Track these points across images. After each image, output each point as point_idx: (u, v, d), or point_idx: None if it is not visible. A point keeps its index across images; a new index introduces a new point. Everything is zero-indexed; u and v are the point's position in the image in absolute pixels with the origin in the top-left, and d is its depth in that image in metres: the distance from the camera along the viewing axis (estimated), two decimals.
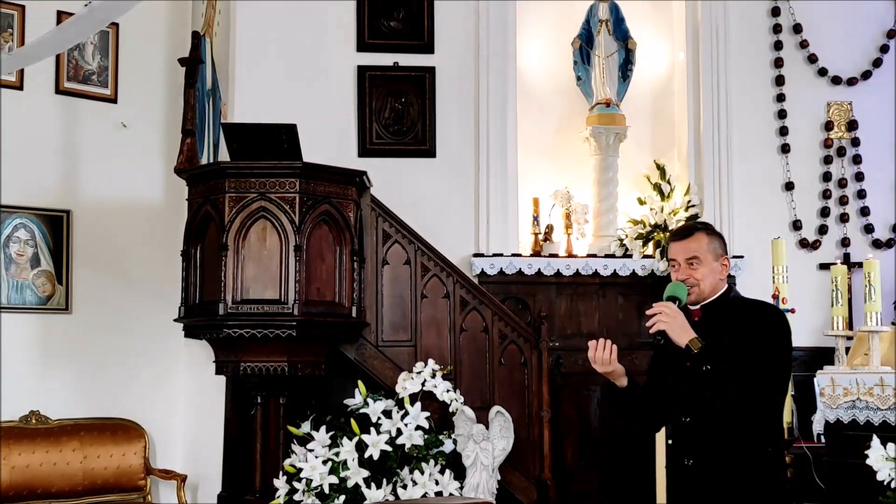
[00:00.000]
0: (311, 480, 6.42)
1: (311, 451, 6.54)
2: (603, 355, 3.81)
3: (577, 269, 8.26)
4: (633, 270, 8.29)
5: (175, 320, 6.94)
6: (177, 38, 8.14)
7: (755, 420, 3.58)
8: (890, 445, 3.94)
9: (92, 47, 7.98)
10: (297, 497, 6.49)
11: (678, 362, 3.72)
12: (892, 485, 3.88)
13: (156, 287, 7.83)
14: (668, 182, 8.51)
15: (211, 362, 7.01)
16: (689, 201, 8.42)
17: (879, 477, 3.86)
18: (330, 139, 7.91)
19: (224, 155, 7.02)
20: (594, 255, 8.38)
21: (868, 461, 3.87)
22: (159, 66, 8.24)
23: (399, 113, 8.27)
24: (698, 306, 3.81)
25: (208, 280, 6.65)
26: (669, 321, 3.60)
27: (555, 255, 8.33)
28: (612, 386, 3.93)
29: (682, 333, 3.58)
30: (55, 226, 7.72)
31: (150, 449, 7.74)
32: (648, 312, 3.67)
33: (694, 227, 3.93)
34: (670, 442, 3.93)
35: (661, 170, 8.55)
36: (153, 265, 7.91)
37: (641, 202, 8.52)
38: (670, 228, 8.23)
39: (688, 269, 3.77)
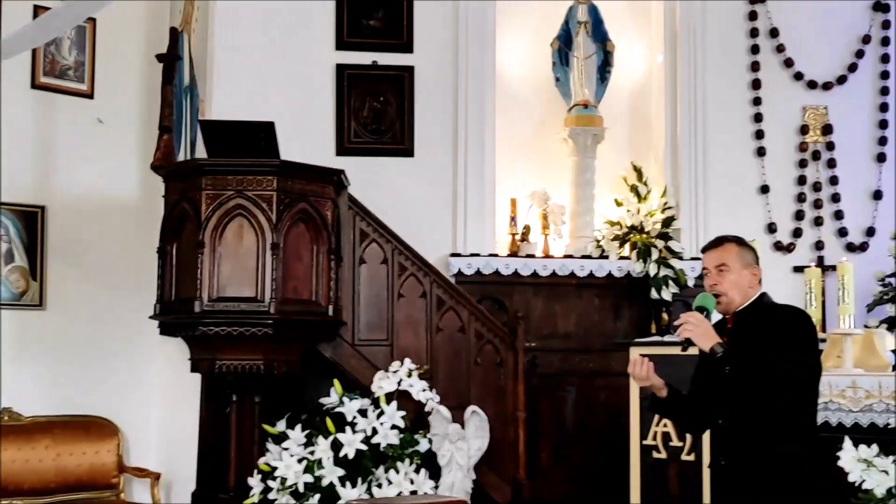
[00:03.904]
0: (286, 479, 6.41)
1: (286, 449, 6.52)
2: (640, 372, 3.95)
3: (554, 270, 8.29)
4: (610, 272, 8.32)
5: (150, 317, 6.91)
6: (154, 34, 8.09)
7: (784, 419, 3.67)
8: (862, 447, 3.97)
9: (69, 42, 7.92)
10: (271, 496, 6.47)
11: (708, 369, 3.87)
12: (864, 486, 3.91)
13: (131, 284, 7.78)
14: (645, 184, 8.55)
15: (186, 360, 6.98)
16: (665, 203, 8.46)
17: (851, 478, 3.90)
18: (308, 137, 7.89)
19: (201, 152, 6.99)
20: (571, 256, 8.41)
21: (840, 463, 3.90)
22: (136, 62, 8.19)
23: (377, 112, 8.26)
24: (731, 314, 3.92)
25: (184, 277, 6.62)
26: (694, 329, 3.76)
27: (532, 256, 8.35)
28: (654, 397, 4.12)
29: (705, 340, 3.74)
30: (30, 222, 7.66)
31: (124, 447, 7.70)
32: (676, 323, 3.86)
33: (725, 238, 4.11)
34: (711, 444, 4.10)
35: (638, 172, 8.59)
36: (129, 262, 7.87)
37: (618, 204, 8.56)
38: (646, 230, 8.29)
39: (717, 276, 3.96)
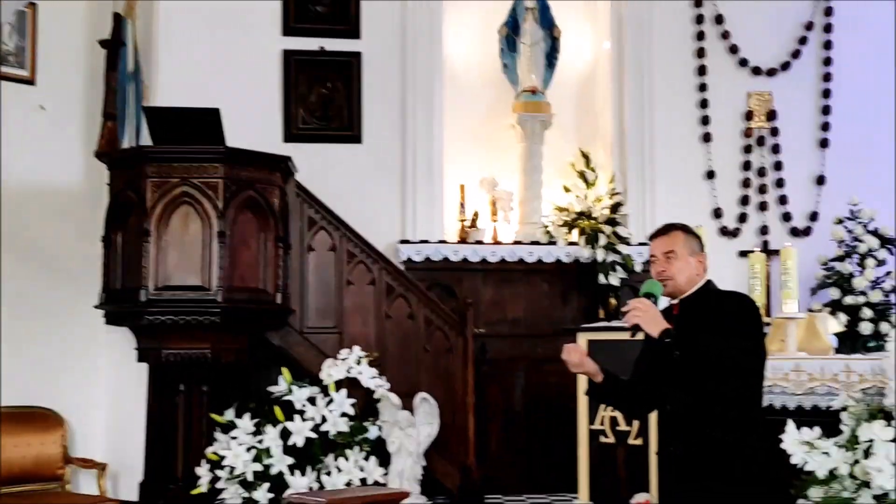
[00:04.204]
0: (235, 468, 6.38)
1: (234, 438, 6.49)
2: (572, 358, 3.99)
3: (503, 257, 8.32)
4: (558, 258, 8.36)
5: (96, 307, 6.83)
6: (97, 20, 7.95)
7: (730, 405, 3.71)
8: (804, 430, 4.03)
9: (9, 28, 7.76)
10: (220, 485, 6.45)
11: (655, 354, 3.92)
12: (806, 468, 3.97)
13: (76, 273, 7.67)
14: (593, 170, 8.60)
15: (133, 349, 6.90)
16: (613, 189, 8.52)
17: (794, 461, 3.96)
18: (255, 124, 7.83)
19: (146, 139, 6.90)
20: (520, 243, 8.45)
21: (783, 445, 3.96)
22: (79, 48, 8.05)
23: (325, 98, 8.22)
24: (677, 301, 3.98)
25: (130, 266, 6.55)
26: (642, 315, 3.78)
27: (480, 243, 8.37)
28: (590, 382, 4.14)
29: (653, 325, 3.76)
30: None
31: (70, 438, 7.60)
32: (624, 309, 3.89)
33: (672, 225, 4.14)
34: (660, 429, 4.14)
35: (586, 158, 8.64)
36: (73, 251, 7.75)
37: (566, 190, 8.61)
38: (594, 216, 8.33)
39: (664, 263, 3.99)
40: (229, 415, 6.67)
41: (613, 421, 6.21)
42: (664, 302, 3.98)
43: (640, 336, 3.82)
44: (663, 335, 3.70)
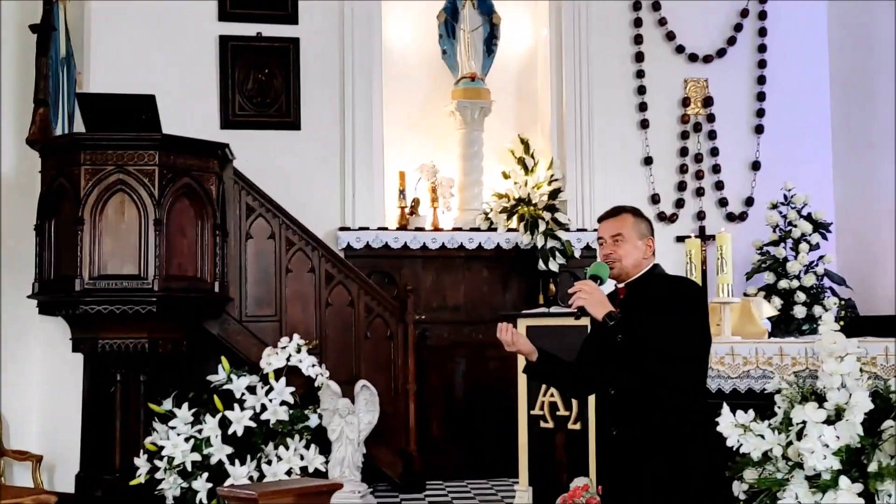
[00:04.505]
0: (174, 458, 6.32)
1: (172, 428, 6.42)
2: (506, 337, 3.99)
3: (443, 243, 8.32)
4: (498, 244, 8.39)
5: (29, 297, 6.71)
6: (28, 4, 7.78)
7: (674, 389, 3.72)
8: (739, 412, 4.08)
9: None
10: (158, 475, 6.38)
11: (600, 336, 3.91)
12: (741, 450, 4.02)
13: (7, 262, 7.52)
14: (532, 156, 8.62)
15: (67, 340, 6.81)
16: (552, 175, 8.55)
17: (729, 443, 4.00)
18: (191, 111, 7.75)
19: (79, 126, 6.80)
20: (460, 229, 8.46)
21: (718, 428, 4.01)
22: (9, 33, 7.86)
23: (262, 84, 8.15)
24: (623, 285, 3.97)
25: (63, 255, 6.46)
26: (587, 297, 3.76)
27: (421, 229, 8.37)
28: (527, 361, 4.12)
29: (598, 308, 3.74)
30: None
31: (4, 429, 7.46)
32: (570, 290, 3.85)
33: (622, 208, 4.10)
34: (598, 412, 4.13)
35: (525, 144, 8.66)
36: (4, 240, 7.59)
37: (506, 176, 8.62)
38: (534, 202, 8.36)
39: (612, 245, 3.97)
40: (167, 405, 6.60)
41: (553, 406, 6.25)
42: (610, 285, 3.98)
43: (585, 318, 3.81)
44: (607, 318, 3.71)
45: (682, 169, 9.02)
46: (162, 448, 6.36)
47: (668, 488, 3.74)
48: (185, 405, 6.49)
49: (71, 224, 6.37)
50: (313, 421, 6.73)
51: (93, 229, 6.35)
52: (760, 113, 9.17)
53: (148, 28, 7.85)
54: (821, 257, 8.40)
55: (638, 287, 3.93)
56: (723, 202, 9.05)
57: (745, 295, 8.10)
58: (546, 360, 4.07)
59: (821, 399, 4.07)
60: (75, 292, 6.31)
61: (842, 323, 6.88)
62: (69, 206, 6.42)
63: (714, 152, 9.08)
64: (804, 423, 3.95)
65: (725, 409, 4.02)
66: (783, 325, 8.11)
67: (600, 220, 4.09)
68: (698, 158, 9.06)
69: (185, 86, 7.88)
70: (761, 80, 9.19)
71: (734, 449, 4.05)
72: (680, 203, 8.95)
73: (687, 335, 3.73)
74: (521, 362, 6.37)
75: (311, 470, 6.53)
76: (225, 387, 6.63)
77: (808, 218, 8.42)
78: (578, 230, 8.44)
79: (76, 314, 6.48)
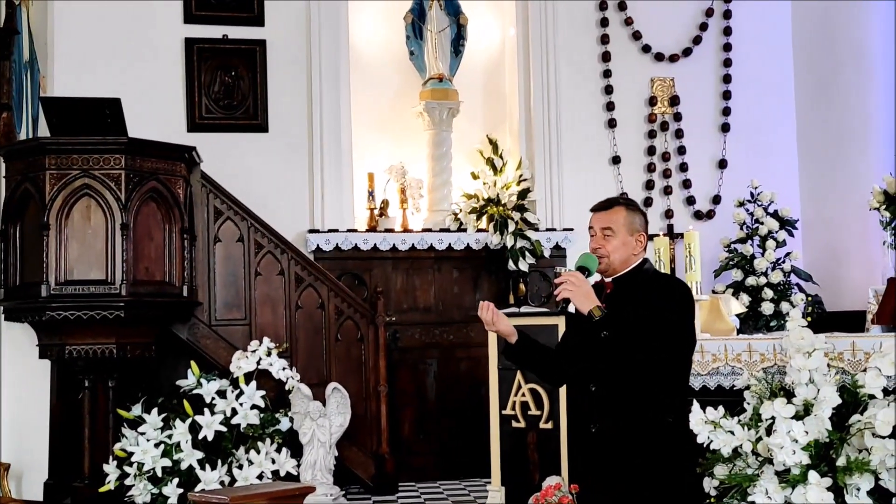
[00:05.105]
0: (143, 464, 6.28)
1: (142, 434, 6.39)
2: (486, 315, 3.90)
3: (413, 244, 8.31)
4: (468, 244, 8.39)
5: None
6: None
7: (657, 388, 3.69)
8: (709, 409, 4.10)
9: None
10: (128, 482, 6.34)
11: (584, 330, 3.82)
12: (712, 447, 4.04)
13: None
14: (501, 157, 8.64)
15: (34, 346, 6.75)
16: (520, 175, 8.57)
17: (699, 440, 4.02)
18: (157, 114, 7.70)
19: (44, 130, 6.75)
20: (429, 230, 8.46)
21: (689, 425, 4.02)
22: None
23: (229, 87, 8.10)
24: (611, 279, 3.91)
25: (29, 261, 6.40)
26: (574, 289, 3.67)
27: (390, 230, 8.35)
28: (505, 343, 4.04)
29: (585, 301, 3.66)
30: None
31: None
32: (556, 281, 3.76)
33: (615, 200, 4.01)
34: (576, 409, 4.06)
35: (494, 144, 8.67)
36: None
37: (475, 177, 8.63)
38: (503, 202, 8.38)
39: (602, 239, 3.88)
40: (137, 410, 6.56)
41: (525, 406, 6.26)
42: (597, 276, 3.90)
43: (570, 309, 3.73)
44: (593, 313, 3.64)
45: (650, 168, 9.06)
46: (131, 454, 6.33)
47: (648, 485, 3.72)
48: (155, 410, 6.46)
49: (36, 229, 6.31)
50: (284, 424, 6.72)
51: (59, 234, 6.30)
52: (726, 111, 9.23)
53: (112, 31, 7.78)
54: (787, 254, 8.47)
55: (626, 283, 3.86)
56: (690, 200, 9.11)
57: (714, 292, 8.16)
58: (525, 343, 4.00)
59: (789, 395, 4.10)
60: (41, 298, 6.26)
61: (809, 319, 6.97)
62: (34, 210, 6.37)
63: (681, 151, 9.13)
64: (773, 418, 3.98)
65: (695, 405, 4.04)
66: (751, 322, 8.17)
67: (593, 210, 3.97)
68: (665, 157, 9.10)
69: (151, 89, 7.83)
70: (727, 78, 9.25)
71: (705, 445, 4.06)
72: (648, 201, 8.99)
73: (673, 337, 3.70)
74: (492, 362, 6.42)
75: (282, 474, 6.51)
76: (195, 391, 6.60)
77: (775, 215, 8.48)
78: (548, 230, 8.46)
79: (42, 320, 6.43)
